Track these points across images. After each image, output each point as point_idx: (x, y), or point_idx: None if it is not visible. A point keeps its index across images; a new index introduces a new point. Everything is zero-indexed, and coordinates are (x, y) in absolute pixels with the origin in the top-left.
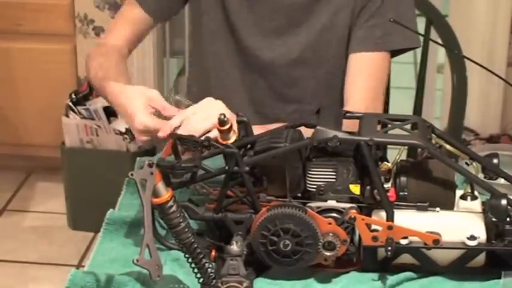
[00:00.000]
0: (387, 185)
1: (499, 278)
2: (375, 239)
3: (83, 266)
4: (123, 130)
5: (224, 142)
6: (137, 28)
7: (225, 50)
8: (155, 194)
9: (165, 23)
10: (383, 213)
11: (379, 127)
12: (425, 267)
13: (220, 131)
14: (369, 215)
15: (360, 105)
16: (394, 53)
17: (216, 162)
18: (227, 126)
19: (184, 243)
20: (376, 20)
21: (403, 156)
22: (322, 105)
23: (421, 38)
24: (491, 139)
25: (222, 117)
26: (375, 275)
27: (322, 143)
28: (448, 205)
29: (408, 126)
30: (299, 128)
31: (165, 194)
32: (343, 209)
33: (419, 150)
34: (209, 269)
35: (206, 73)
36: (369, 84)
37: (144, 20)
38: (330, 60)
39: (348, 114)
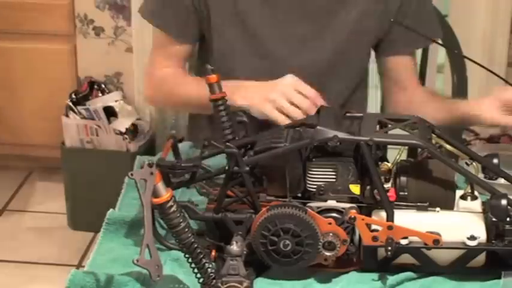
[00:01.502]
0: (387, 185)
1: (499, 278)
2: (375, 239)
3: (83, 266)
4: (123, 130)
5: (212, 97)
6: (180, 59)
7: (249, 63)
8: (155, 194)
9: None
10: (383, 213)
11: (379, 127)
12: (426, 267)
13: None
14: (369, 215)
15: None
16: None
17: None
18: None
19: (184, 243)
20: (414, 20)
21: (403, 156)
22: (346, 108)
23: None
24: (491, 139)
25: (209, 66)
26: (375, 275)
27: (322, 143)
28: (448, 205)
29: (408, 126)
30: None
31: (165, 194)
32: (343, 209)
33: (419, 150)
34: (209, 269)
35: None
36: (416, 82)
37: (181, 50)
38: (354, 67)
39: (348, 115)
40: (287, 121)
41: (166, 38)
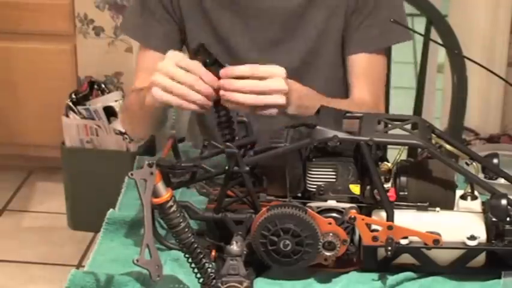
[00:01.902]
0: (387, 185)
1: (499, 278)
2: (375, 239)
3: (83, 266)
4: (123, 130)
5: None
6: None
7: None
8: (155, 194)
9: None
10: (383, 213)
11: (379, 127)
12: (425, 267)
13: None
14: (369, 215)
15: (368, 106)
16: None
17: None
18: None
19: (184, 243)
20: (371, 21)
21: (403, 156)
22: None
23: (421, 38)
24: (491, 139)
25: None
26: (375, 275)
27: (322, 143)
28: (448, 205)
29: (408, 126)
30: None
31: (165, 194)
32: (343, 209)
33: (419, 150)
34: (209, 269)
35: None
36: (374, 85)
37: (159, 59)
38: (328, 65)
39: (348, 115)
40: (182, 102)
41: (149, 54)
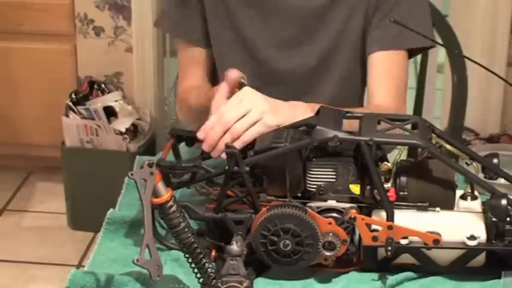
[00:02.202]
0: (387, 185)
1: (499, 278)
2: (375, 239)
3: (83, 266)
4: (123, 130)
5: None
6: (202, 64)
7: (243, 65)
8: (155, 194)
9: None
10: (383, 213)
11: (379, 127)
12: (425, 267)
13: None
14: (369, 215)
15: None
16: (411, 54)
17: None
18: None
19: (184, 243)
20: (392, 18)
21: (403, 156)
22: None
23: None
24: (491, 139)
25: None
26: (375, 275)
27: (322, 143)
28: (448, 205)
29: (408, 126)
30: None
31: (165, 194)
32: (343, 209)
33: (419, 150)
34: (209, 269)
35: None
36: (391, 83)
37: (201, 53)
38: (344, 64)
39: (348, 115)
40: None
41: (192, 49)
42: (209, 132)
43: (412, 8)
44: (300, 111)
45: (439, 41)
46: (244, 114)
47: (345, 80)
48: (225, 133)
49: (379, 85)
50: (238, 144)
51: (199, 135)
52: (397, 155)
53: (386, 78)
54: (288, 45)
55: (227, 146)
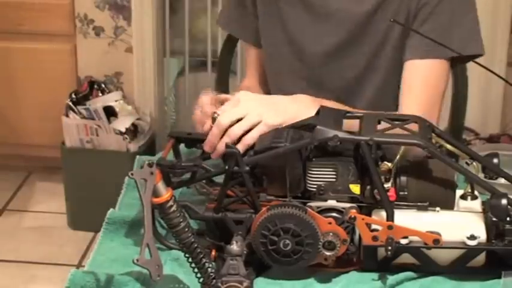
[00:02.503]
0: (387, 185)
1: (499, 278)
2: (375, 238)
3: (83, 266)
4: (123, 130)
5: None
6: (257, 65)
7: (292, 66)
8: (155, 193)
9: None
10: (383, 213)
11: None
12: (425, 267)
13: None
14: (369, 214)
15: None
16: (457, 61)
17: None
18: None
19: (184, 243)
20: (429, 26)
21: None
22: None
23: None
24: (491, 139)
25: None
26: (375, 275)
27: (322, 143)
28: (448, 205)
29: (408, 126)
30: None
31: (165, 193)
32: (343, 208)
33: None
34: (209, 269)
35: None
36: (424, 93)
37: (256, 53)
38: (386, 70)
39: (348, 114)
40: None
41: (247, 47)
42: (208, 134)
43: (454, 12)
44: (303, 105)
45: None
46: (241, 117)
47: (386, 86)
48: (223, 135)
49: (409, 93)
50: (240, 148)
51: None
52: (397, 155)
53: (419, 88)
54: (335, 50)
55: (227, 146)
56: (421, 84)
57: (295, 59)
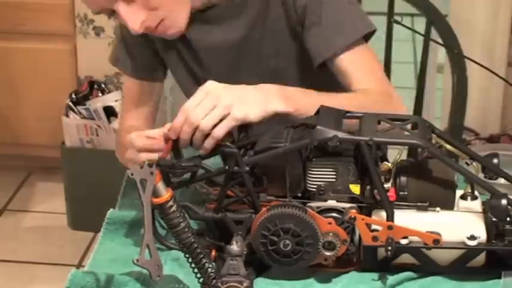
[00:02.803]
0: (387, 185)
1: (499, 278)
2: (375, 239)
3: (83, 266)
4: None
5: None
6: (143, 99)
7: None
8: (155, 193)
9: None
10: (383, 213)
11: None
12: (425, 267)
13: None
14: (369, 215)
15: (371, 88)
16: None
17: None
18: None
19: (184, 243)
20: (318, 28)
21: (403, 156)
22: None
23: (421, 38)
24: (491, 139)
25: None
26: (375, 275)
27: (322, 143)
28: (448, 205)
29: (408, 126)
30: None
31: (165, 193)
32: (343, 209)
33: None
34: (209, 269)
35: None
36: (368, 75)
37: (139, 87)
38: (296, 84)
39: (348, 114)
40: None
41: (135, 84)
42: (180, 133)
43: (337, 5)
44: (270, 96)
45: (439, 41)
46: (210, 110)
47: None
48: (195, 131)
49: (355, 81)
50: (210, 142)
51: (171, 135)
52: (397, 155)
53: (358, 74)
54: (228, 79)
55: (226, 146)
56: (361, 71)
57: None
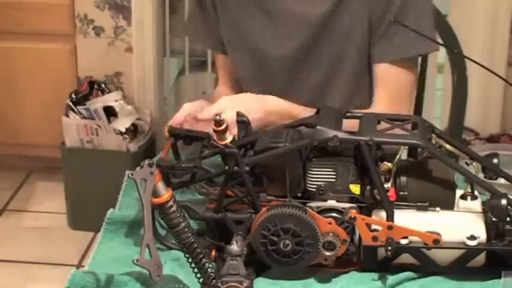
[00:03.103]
0: (387, 185)
1: (499, 278)
2: (375, 238)
3: (83, 266)
4: (123, 130)
5: (221, 142)
6: (228, 70)
7: (250, 73)
8: (155, 194)
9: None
10: (383, 213)
11: (379, 127)
12: (425, 267)
13: (216, 131)
14: (369, 215)
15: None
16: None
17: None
18: (223, 127)
19: (184, 243)
20: (394, 28)
21: (403, 156)
22: None
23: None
24: (491, 139)
25: (218, 117)
26: (375, 275)
27: (322, 143)
28: (448, 205)
29: (408, 126)
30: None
31: (165, 194)
32: (343, 209)
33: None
34: (209, 269)
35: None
36: (391, 98)
37: (225, 60)
38: (351, 73)
39: (348, 114)
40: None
41: (217, 54)
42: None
43: (417, 17)
44: (248, 106)
45: (439, 41)
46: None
47: (352, 89)
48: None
49: (381, 95)
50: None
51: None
52: (397, 155)
53: (386, 91)
54: (296, 53)
55: (227, 146)
56: (391, 88)
57: (257, 65)
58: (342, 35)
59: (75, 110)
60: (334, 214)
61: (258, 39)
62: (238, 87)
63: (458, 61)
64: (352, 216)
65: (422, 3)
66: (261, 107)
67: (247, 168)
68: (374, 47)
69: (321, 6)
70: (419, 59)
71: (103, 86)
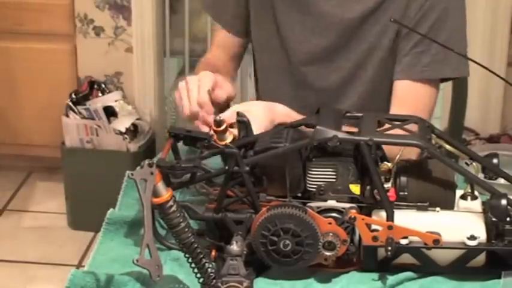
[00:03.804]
0: (387, 185)
1: (499, 278)
2: (375, 239)
3: (83, 266)
4: (123, 130)
5: (221, 143)
6: (229, 50)
7: (275, 64)
8: (155, 194)
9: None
10: (383, 213)
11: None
12: (425, 267)
13: (216, 132)
14: (369, 215)
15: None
16: (441, 80)
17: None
18: (222, 127)
19: (184, 243)
20: (423, 47)
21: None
22: None
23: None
24: (491, 139)
25: (218, 118)
26: (375, 275)
27: (322, 143)
28: (448, 205)
29: (408, 126)
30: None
31: (165, 194)
32: (343, 209)
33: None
34: (209, 269)
35: (256, 85)
36: (410, 109)
37: (231, 40)
38: (371, 79)
39: (348, 114)
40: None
41: (218, 28)
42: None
43: (448, 34)
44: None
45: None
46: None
47: (370, 95)
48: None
49: (399, 110)
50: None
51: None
52: (397, 155)
53: (408, 108)
54: (322, 52)
55: (227, 146)
56: (411, 105)
57: (282, 54)
58: (368, 42)
59: (75, 110)
60: (334, 214)
61: (287, 29)
62: (235, 63)
63: None
64: (352, 216)
65: (455, 22)
66: (270, 118)
67: (247, 168)
68: (399, 64)
69: (353, 11)
70: None
71: (103, 86)
